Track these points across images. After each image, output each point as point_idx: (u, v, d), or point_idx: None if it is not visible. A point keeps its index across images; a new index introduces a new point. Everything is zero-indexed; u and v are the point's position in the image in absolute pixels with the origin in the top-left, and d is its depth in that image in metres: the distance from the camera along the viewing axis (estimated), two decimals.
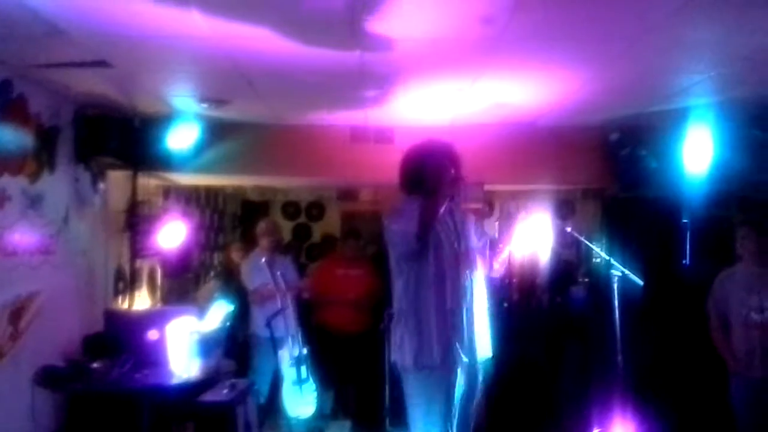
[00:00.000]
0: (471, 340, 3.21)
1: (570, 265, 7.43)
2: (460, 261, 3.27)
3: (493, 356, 3.40)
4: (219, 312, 5.17)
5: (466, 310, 3.22)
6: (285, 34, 3.43)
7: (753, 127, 4.91)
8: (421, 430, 3.16)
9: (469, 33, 3.44)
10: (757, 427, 4.48)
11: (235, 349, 5.98)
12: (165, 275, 6.58)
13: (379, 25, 3.29)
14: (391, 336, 3.38)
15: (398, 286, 3.28)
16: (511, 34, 3.42)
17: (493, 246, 3.51)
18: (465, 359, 3.18)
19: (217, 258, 8.45)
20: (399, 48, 3.66)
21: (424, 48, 3.68)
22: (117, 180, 5.62)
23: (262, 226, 6.08)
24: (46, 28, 3.33)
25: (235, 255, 6.98)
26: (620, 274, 3.97)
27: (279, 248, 6.19)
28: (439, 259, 3.23)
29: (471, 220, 3.53)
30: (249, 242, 6.57)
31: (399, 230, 3.20)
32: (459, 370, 3.18)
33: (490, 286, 3.49)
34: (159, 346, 4.45)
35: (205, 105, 5.01)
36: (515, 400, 5.89)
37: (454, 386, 3.17)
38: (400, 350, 3.23)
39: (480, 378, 3.33)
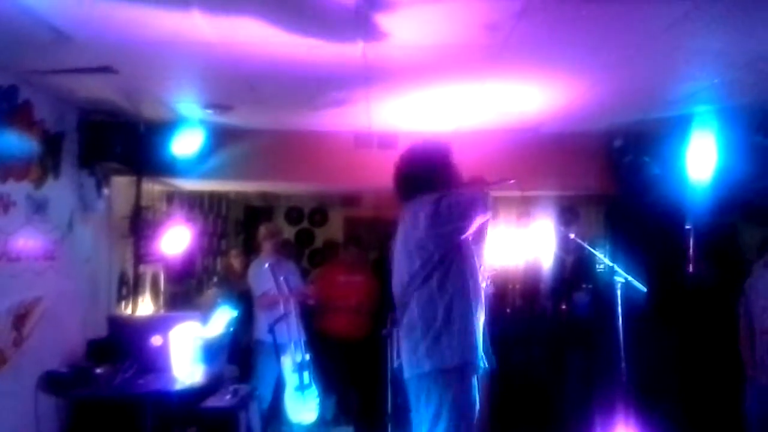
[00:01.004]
0: (487, 347, 3.15)
1: (573, 271, 7.42)
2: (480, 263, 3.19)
3: (493, 364, 3.34)
4: (222, 318, 5.18)
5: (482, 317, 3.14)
6: (289, 40, 3.44)
7: (756, 134, 4.90)
8: None
9: (474, 40, 3.45)
10: None
11: (239, 354, 5.99)
12: (168, 281, 6.59)
13: (383, 30, 3.30)
14: (411, 338, 3.07)
15: (429, 285, 3.01)
16: (515, 42, 3.43)
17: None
18: (484, 365, 3.10)
19: (220, 264, 8.45)
20: (403, 54, 3.67)
21: (428, 54, 3.69)
22: (121, 186, 5.64)
23: (262, 230, 6.10)
24: (51, 34, 3.35)
25: (234, 261, 6.99)
26: (623, 280, 3.97)
27: (283, 251, 6.19)
28: (469, 259, 3.10)
29: None
30: (253, 248, 6.57)
31: (458, 200, 3.01)
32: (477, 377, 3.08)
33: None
34: (162, 351, 4.45)
35: (209, 111, 5.03)
36: (519, 406, 5.89)
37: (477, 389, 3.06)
38: (435, 351, 2.97)
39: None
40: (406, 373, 3.09)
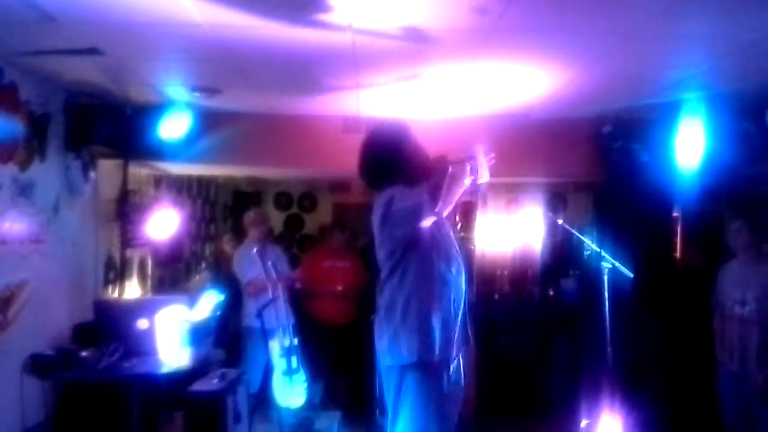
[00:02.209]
0: (465, 335, 3.12)
1: (561, 257, 7.46)
2: (450, 254, 3.10)
3: (481, 348, 3.34)
4: (209, 301, 5.17)
5: (463, 304, 3.09)
6: (277, 23, 3.42)
7: (745, 121, 4.92)
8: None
9: (463, 23, 3.43)
10: (739, 419, 4.54)
11: (227, 339, 5.99)
12: (155, 265, 6.57)
13: (372, 13, 3.28)
14: (377, 330, 3.09)
15: (392, 280, 3.01)
16: (504, 25, 3.42)
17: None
18: (457, 354, 3.07)
19: (208, 248, 8.43)
20: (392, 38, 3.65)
21: (416, 37, 3.67)
22: (108, 169, 5.60)
23: (250, 216, 6.07)
24: (37, 15, 3.31)
25: (227, 246, 6.97)
26: (611, 266, 3.99)
27: (269, 237, 6.18)
28: (433, 252, 3.01)
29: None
30: (240, 233, 6.56)
31: (402, 208, 2.89)
32: (453, 366, 3.04)
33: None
34: (149, 335, 4.44)
35: (196, 94, 4.99)
36: (505, 391, 5.92)
37: (446, 383, 3.01)
38: (393, 347, 2.98)
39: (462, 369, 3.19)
40: (381, 363, 3.11)
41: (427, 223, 2.93)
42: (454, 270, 3.08)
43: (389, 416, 3.09)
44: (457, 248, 3.17)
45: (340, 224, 6.76)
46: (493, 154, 3.08)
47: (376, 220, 3.02)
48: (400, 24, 3.45)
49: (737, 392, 4.52)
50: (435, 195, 2.86)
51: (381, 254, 3.06)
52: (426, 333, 2.94)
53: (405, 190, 2.98)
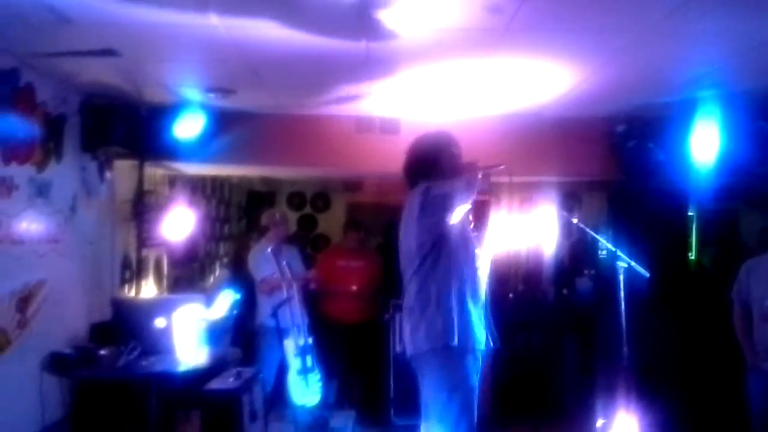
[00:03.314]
0: (488, 328, 3.30)
1: (576, 256, 7.44)
2: (473, 251, 3.30)
3: (494, 346, 3.39)
4: (225, 300, 5.20)
5: (484, 300, 3.29)
6: (291, 23, 3.43)
7: (759, 119, 4.89)
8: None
9: (476, 23, 3.43)
10: None
11: (243, 338, 6.01)
12: (171, 264, 6.61)
13: (385, 12, 3.29)
14: (410, 321, 3.24)
15: (422, 271, 3.19)
16: (518, 25, 3.42)
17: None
18: (481, 347, 3.23)
19: (223, 248, 8.47)
20: (405, 37, 3.66)
21: (430, 37, 3.68)
22: (123, 169, 5.64)
23: (274, 216, 6.08)
24: (53, 16, 3.34)
25: (252, 245, 6.99)
26: (626, 265, 3.97)
27: (286, 238, 6.20)
28: (460, 245, 3.22)
29: None
30: (259, 233, 6.58)
31: (441, 193, 3.15)
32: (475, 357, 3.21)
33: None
34: (166, 333, 4.47)
35: (211, 95, 5.02)
36: (520, 391, 5.91)
37: (476, 371, 3.20)
38: (429, 333, 3.14)
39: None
40: (408, 353, 3.27)
41: (461, 211, 3.17)
42: (477, 267, 3.29)
43: (422, 407, 3.25)
44: (479, 247, 3.35)
45: (354, 224, 6.76)
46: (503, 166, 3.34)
47: (413, 210, 3.21)
48: (414, 24, 3.46)
49: None
50: (469, 186, 3.14)
51: (412, 245, 3.21)
52: (448, 321, 3.12)
53: (440, 181, 3.23)
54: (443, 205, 3.13)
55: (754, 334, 4.49)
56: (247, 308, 5.90)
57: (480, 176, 3.23)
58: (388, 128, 5.70)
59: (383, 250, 7.10)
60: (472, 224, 3.38)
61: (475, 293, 3.24)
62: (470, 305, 3.19)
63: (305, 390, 5.29)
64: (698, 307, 5.64)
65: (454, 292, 3.15)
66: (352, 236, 6.52)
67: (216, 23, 3.42)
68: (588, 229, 4.68)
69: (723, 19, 3.33)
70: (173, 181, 6.74)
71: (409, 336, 3.23)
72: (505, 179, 3.40)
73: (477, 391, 3.18)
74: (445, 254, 3.17)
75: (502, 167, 3.32)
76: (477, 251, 3.31)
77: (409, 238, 3.24)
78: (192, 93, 5.05)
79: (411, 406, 5.54)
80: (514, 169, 3.42)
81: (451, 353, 3.12)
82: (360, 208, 9.38)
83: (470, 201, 3.20)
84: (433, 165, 3.34)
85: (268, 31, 3.54)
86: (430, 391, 3.18)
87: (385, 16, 3.33)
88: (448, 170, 3.31)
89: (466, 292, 3.19)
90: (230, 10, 3.27)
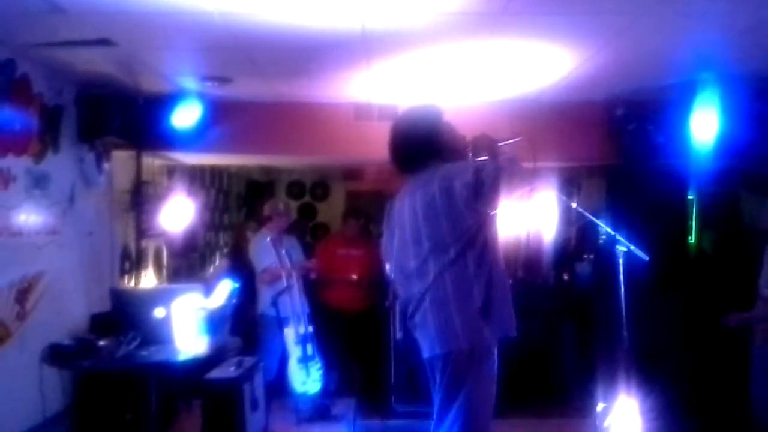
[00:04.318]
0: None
1: (575, 241, 7.43)
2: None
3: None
4: (224, 289, 5.19)
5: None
6: (287, 8, 3.41)
7: (759, 101, 4.87)
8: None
9: (473, 6, 3.41)
10: None
11: (244, 327, 6.02)
12: (170, 255, 6.61)
13: None
14: (441, 314, 2.89)
15: (464, 258, 2.86)
16: (515, 8, 3.40)
17: None
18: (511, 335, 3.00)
19: (222, 238, 8.46)
20: (402, 21, 3.64)
21: (428, 21, 3.65)
22: (122, 160, 5.63)
23: (277, 206, 6.06)
24: (48, 6, 3.32)
25: (250, 234, 6.98)
26: (626, 249, 3.96)
27: (286, 228, 6.20)
28: (495, 229, 2.98)
29: None
30: (259, 222, 6.58)
31: (507, 171, 2.80)
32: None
33: None
34: (165, 323, 4.46)
35: (208, 83, 5.00)
36: (519, 377, 5.91)
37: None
38: (475, 327, 2.84)
39: None
40: (433, 351, 2.92)
41: (518, 192, 2.91)
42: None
43: (438, 404, 2.96)
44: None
45: (354, 211, 6.75)
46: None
47: (458, 190, 2.82)
48: (410, 8, 3.43)
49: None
50: (520, 165, 2.87)
51: (445, 232, 2.87)
52: (506, 312, 2.94)
53: (483, 161, 2.93)
54: (496, 189, 2.78)
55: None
56: (246, 297, 5.90)
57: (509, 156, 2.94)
58: (387, 115, 5.66)
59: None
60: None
61: (505, 281, 3.00)
62: (506, 298, 2.95)
63: (306, 378, 5.30)
64: (698, 291, 5.64)
65: (500, 283, 2.90)
66: (352, 224, 6.51)
67: (211, 10, 3.40)
68: (587, 214, 4.67)
69: (721, 0, 3.30)
70: (171, 171, 6.73)
71: (436, 331, 2.89)
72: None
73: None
74: (488, 243, 2.89)
75: (519, 139, 3.05)
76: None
77: (441, 224, 2.86)
78: (189, 82, 5.03)
79: (412, 393, 5.58)
80: (518, 155, 3.20)
81: (489, 350, 2.89)
82: (359, 197, 9.37)
83: (525, 184, 2.94)
84: (433, 142, 3.02)
85: (263, 17, 3.52)
86: (463, 391, 2.87)
87: (382, 1, 3.30)
88: (449, 146, 3.05)
89: (506, 285, 2.96)
90: None
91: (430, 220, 2.90)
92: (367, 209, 7.10)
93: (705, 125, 4.92)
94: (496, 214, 2.94)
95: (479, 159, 3.03)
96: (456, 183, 2.83)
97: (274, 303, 5.06)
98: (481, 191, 2.79)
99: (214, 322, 4.65)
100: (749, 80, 4.81)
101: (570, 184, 8.42)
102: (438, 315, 2.89)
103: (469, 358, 2.86)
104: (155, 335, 4.42)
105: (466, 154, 3.05)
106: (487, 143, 3.02)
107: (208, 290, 5.00)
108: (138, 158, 5.70)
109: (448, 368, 2.89)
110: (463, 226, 2.85)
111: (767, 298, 4.41)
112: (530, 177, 2.90)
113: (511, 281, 6.72)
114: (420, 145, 3.04)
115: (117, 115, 5.07)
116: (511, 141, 3.05)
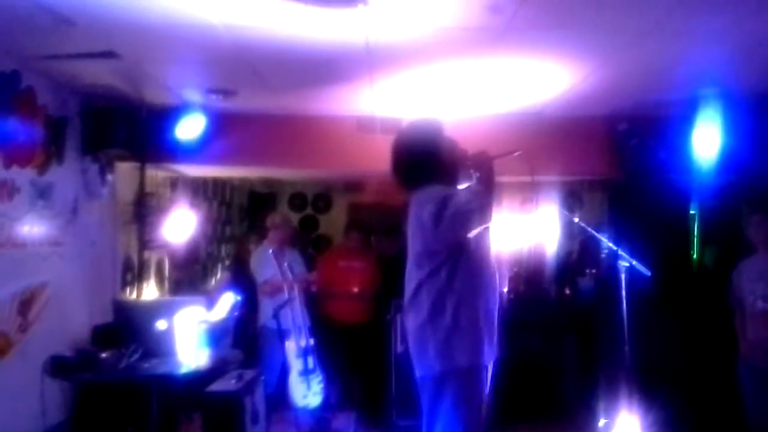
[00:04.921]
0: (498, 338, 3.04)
1: (577, 256, 7.42)
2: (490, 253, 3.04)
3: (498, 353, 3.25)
4: (226, 302, 5.19)
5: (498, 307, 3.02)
6: (292, 21, 3.43)
7: (760, 117, 4.88)
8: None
9: (477, 22, 3.43)
10: (763, 416, 4.47)
11: (245, 340, 6.01)
12: (173, 266, 6.60)
13: (386, 11, 3.28)
14: (417, 335, 2.94)
15: (437, 280, 2.89)
16: (518, 23, 3.42)
17: None
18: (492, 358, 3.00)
19: (225, 250, 8.46)
20: (406, 36, 3.65)
21: (431, 36, 3.67)
22: (125, 172, 5.64)
23: (276, 219, 6.07)
24: (53, 18, 3.34)
25: (252, 247, 6.98)
26: (628, 264, 3.96)
27: (288, 240, 6.20)
28: (482, 251, 2.96)
29: None
30: (260, 235, 6.58)
31: (466, 210, 2.80)
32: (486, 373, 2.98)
33: None
34: (167, 336, 4.46)
35: (212, 96, 5.02)
36: (521, 392, 5.90)
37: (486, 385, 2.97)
38: (444, 352, 2.86)
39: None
40: (418, 373, 2.96)
41: (480, 228, 2.90)
42: (493, 272, 3.04)
43: (425, 423, 2.97)
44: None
45: (357, 224, 6.74)
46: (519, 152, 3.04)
47: (424, 217, 2.87)
48: (414, 23, 3.45)
49: (762, 388, 4.44)
50: (492, 196, 2.87)
51: (421, 251, 2.93)
52: (477, 337, 2.89)
53: (459, 191, 2.96)
54: (463, 223, 2.83)
55: (745, 329, 4.55)
56: (248, 310, 5.90)
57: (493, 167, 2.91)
58: (390, 128, 5.67)
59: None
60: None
61: (489, 305, 2.97)
62: (490, 316, 2.94)
63: (307, 391, 5.29)
64: (700, 307, 5.63)
65: (470, 308, 2.87)
66: (354, 236, 6.50)
67: (216, 23, 3.42)
68: (589, 229, 4.67)
69: (723, 17, 3.32)
70: (174, 183, 6.74)
71: (431, 352, 2.89)
72: (513, 178, 3.07)
73: (485, 407, 2.95)
74: (464, 264, 2.89)
75: (517, 153, 3.00)
76: (491, 252, 3.04)
77: (416, 243, 2.94)
78: (193, 94, 5.05)
79: (412, 407, 5.55)
80: (515, 169, 3.17)
81: (464, 374, 2.86)
82: (361, 209, 9.36)
83: (491, 219, 2.88)
84: (433, 159, 3.00)
85: (268, 31, 3.54)
86: (439, 414, 2.89)
87: (386, 15, 3.32)
88: (450, 162, 3.02)
89: (482, 306, 2.91)
90: (229, 8, 3.26)
91: (412, 241, 2.97)
92: (369, 222, 7.10)
93: (707, 141, 4.93)
94: (474, 237, 2.93)
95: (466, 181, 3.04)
96: (425, 210, 2.86)
97: (276, 315, 5.05)
98: (440, 223, 2.82)
99: (216, 335, 4.65)
100: (751, 96, 4.82)
101: (572, 198, 8.43)
102: (417, 337, 2.94)
103: (441, 382, 2.87)
104: (157, 347, 4.43)
105: (468, 170, 3.02)
106: (481, 162, 2.97)
107: (210, 303, 5.01)
108: (141, 170, 5.71)
109: (426, 391, 2.93)
110: (432, 250, 2.89)
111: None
112: (491, 213, 2.85)
113: (512, 296, 6.75)
114: (419, 165, 3.03)
115: (121, 127, 5.09)
116: (508, 154, 3.01)
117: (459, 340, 2.85)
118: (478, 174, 2.97)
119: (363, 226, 6.70)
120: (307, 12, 3.28)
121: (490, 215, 2.86)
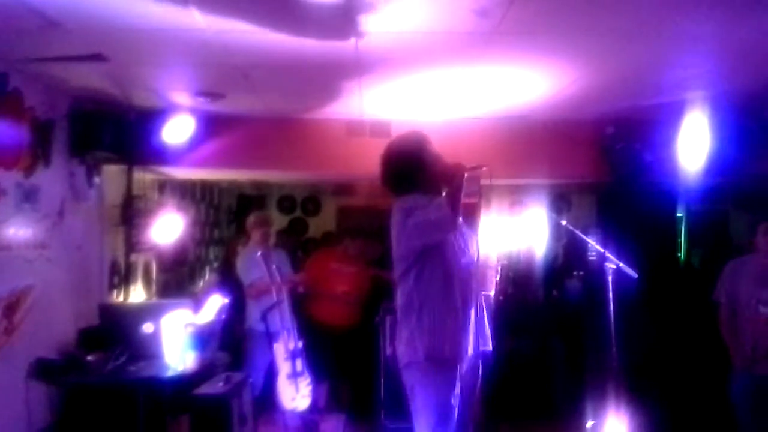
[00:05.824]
0: (476, 335, 3.20)
1: (565, 258, 7.45)
2: (464, 256, 3.21)
3: (488, 351, 3.37)
4: (214, 305, 5.17)
5: (474, 305, 3.19)
6: (280, 26, 3.43)
7: (748, 120, 4.92)
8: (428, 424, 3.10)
9: (464, 26, 3.44)
10: (759, 426, 4.43)
11: (233, 342, 5.99)
12: (160, 269, 6.58)
13: (374, 16, 3.29)
14: (397, 331, 3.25)
15: (407, 282, 3.15)
16: (505, 28, 3.43)
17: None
18: (470, 353, 3.16)
19: (213, 252, 8.44)
20: (394, 41, 3.66)
21: (419, 41, 3.68)
22: (112, 174, 5.62)
23: (251, 219, 6.04)
24: (41, 20, 3.33)
25: (240, 249, 6.96)
26: (615, 266, 3.98)
27: (273, 241, 6.18)
28: (448, 255, 3.14)
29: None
30: (247, 237, 6.55)
31: (424, 221, 3.03)
32: (463, 365, 3.14)
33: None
34: (154, 338, 4.45)
35: (200, 99, 5.01)
36: (508, 393, 5.91)
37: (457, 380, 3.11)
38: (410, 345, 3.12)
39: (480, 371, 3.31)
40: (398, 363, 3.25)
41: (442, 238, 3.11)
42: (466, 276, 3.20)
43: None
44: (471, 245, 3.27)
45: (364, 232, 6.63)
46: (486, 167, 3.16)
47: (398, 222, 3.14)
48: (402, 27, 3.46)
49: (763, 397, 4.39)
50: (456, 208, 3.00)
51: (396, 253, 3.19)
52: (439, 335, 3.08)
53: (425, 202, 3.12)
54: (424, 233, 3.06)
55: (740, 335, 4.51)
56: (236, 312, 5.88)
57: (465, 179, 3.07)
58: (379, 131, 5.68)
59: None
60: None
61: (465, 301, 3.15)
62: (457, 315, 3.11)
63: (295, 394, 5.28)
64: (687, 308, 5.66)
65: (437, 305, 3.10)
66: (359, 244, 6.41)
67: (204, 26, 3.41)
68: (577, 231, 4.69)
69: (712, 20, 3.34)
70: (162, 185, 6.71)
71: (402, 346, 3.18)
72: (501, 181, 3.27)
73: (457, 402, 3.09)
74: (429, 266, 3.11)
75: (484, 169, 3.14)
76: (469, 255, 3.22)
77: (393, 247, 3.19)
78: (181, 97, 5.04)
79: (401, 409, 5.55)
80: (504, 172, 3.34)
81: (422, 365, 3.09)
82: (350, 212, 9.37)
83: (452, 233, 3.12)
84: (417, 170, 3.21)
85: (256, 34, 3.53)
86: (412, 403, 3.17)
87: (373, 19, 3.33)
88: (433, 173, 3.20)
89: (453, 302, 3.12)
90: (217, 12, 3.26)
91: (392, 238, 3.21)
92: (358, 225, 7.07)
93: (694, 144, 4.96)
94: (452, 242, 3.16)
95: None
96: (396, 218, 3.14)
97: (264, 318, 5.04)
98: (404, 231, 3.09)
99: (203, 338, 4.63)
100: (737, 99, 4.86)
101: (561, 200, 8.47)
102: (396, 332, 3.25)
103: (406, 370, 3.17)
104: (143, 350, 4.42)
105: (451, 180, 3.12)
106: (451, 176, 3.10)
107: (197, 305, 4.99)
108: (129, 173, 5.69)
109: (404, 380, 3.22)
110: (400, 256, 3.16)
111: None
112: (451, 225, 3.02)
113: (501, 298, 6.76)
114: (403, 175, 3.25)
115: (109, 130, 5.07)
116: (478, 168, 3.13)
117: (420, 337, 3.10)
118: (446, 188, 3.15)
119: (365, 233, 6.62)
120: (296, 16, 3.28)
121: (452, 227, 3.04)
